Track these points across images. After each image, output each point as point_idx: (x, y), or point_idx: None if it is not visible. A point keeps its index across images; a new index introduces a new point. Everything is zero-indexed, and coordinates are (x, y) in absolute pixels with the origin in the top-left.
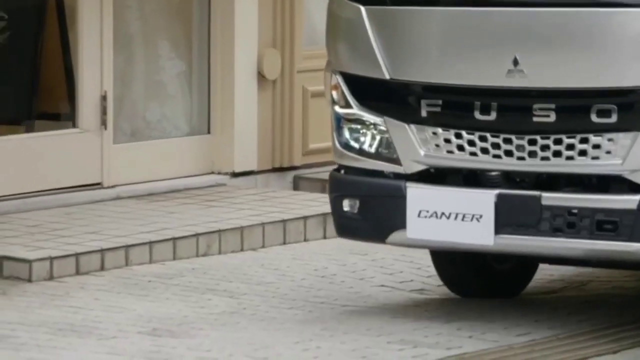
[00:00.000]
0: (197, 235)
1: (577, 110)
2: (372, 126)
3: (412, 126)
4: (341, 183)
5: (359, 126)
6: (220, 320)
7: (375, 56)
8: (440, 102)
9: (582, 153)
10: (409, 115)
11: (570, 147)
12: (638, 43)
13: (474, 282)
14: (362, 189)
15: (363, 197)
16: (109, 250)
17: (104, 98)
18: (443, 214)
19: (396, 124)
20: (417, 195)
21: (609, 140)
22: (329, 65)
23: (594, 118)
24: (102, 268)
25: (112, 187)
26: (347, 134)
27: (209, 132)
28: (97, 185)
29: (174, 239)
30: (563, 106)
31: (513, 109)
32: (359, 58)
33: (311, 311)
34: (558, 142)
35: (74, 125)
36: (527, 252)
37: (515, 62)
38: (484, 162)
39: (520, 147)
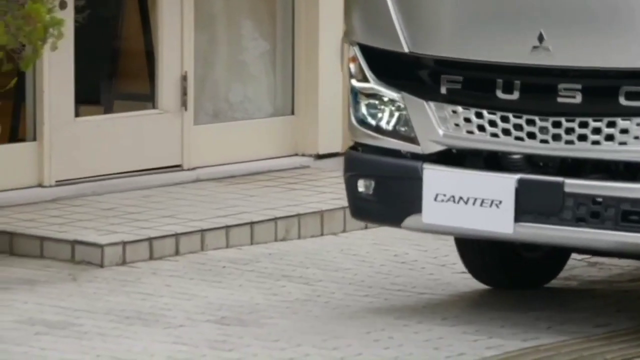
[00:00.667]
0: (275, 219)
1: (604, 91)
2: (389, 102)
3: (431, 104)
4: (356, 162)
5: (376, 102)
6: (292, 309)
7: (395, 28)
8: (460, 78)
9: (609, 138)
10: (427, 91)
11: (597, 130)
12: None
13: (501, 271)
14: (377, 168)
15: (378, 177)
16: (183, 234)
17: (184, 78)
18: (461, 198)
19: (414, 100)
20: (434, 178)
21: (638, 125)
22: (346, 36)
23: (622, 101)
24: (177, 253)
25: (192, 169)
26: (363, 109)
27: (292, 113)
28: (177, 167)
29: (252, 223)
30: (590, 87)
31: (537, 89)
32: (377, 29)
33: (387, 299)
34: (584, 125)
35: (154, 106)
36: (547, 242)
37: (541, 38)
38: (505, 144)
39: (543, 130)
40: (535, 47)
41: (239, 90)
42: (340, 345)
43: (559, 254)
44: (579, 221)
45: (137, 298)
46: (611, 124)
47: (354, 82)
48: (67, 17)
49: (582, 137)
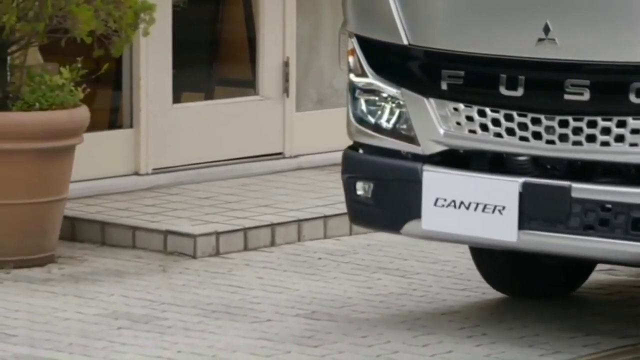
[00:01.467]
0: None
1: (614, 88)
2: (388, 99)
3: (432, 100)
4: (354, 163)
5: (375, 98)
6: (385, 303)
7: (394, 19)
8: (462, 73)
9: (619, 139)
10: (428, 87)
11: (606, 131)
12: None
13: (517, 279)
14: (376, 170)
15: (377, 180)
16: (280, 224)
17: (286, 64)
18: (462, 203)
19: (414, 97)
20: (434, 181)
21: None
22: (344, 27)
23: (633, 98)
24: (272, 244)
25: (294, 157)
26: (362, 107)
27: None
28: (278, 155)
29: None
30: (599, 83)
31: (543, 85)
32: (376, 20)
33: (484, 293)
34: (592, 124)
35: (255, 92)
36: (554, 251)
37: (547, 30)
38: (509, 144)
39: (549, 129)
40: (540, 40)
41: (344, 77)
42: (431, 341)
43: (584, 262)
44: (587, 229)
45: (226, 291)
46: (621, 124)
47: (352, 77)
48: (165, 3)
49: (591, 138)
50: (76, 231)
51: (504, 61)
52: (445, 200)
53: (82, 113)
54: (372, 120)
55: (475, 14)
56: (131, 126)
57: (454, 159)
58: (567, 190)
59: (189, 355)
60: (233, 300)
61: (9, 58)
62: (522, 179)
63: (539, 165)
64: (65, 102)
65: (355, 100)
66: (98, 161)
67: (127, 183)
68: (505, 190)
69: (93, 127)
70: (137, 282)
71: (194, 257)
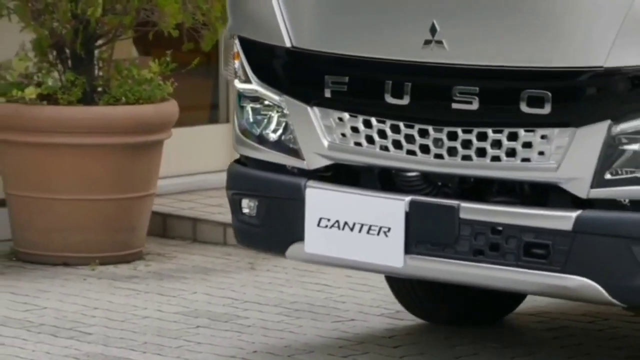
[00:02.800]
0: None
1: (504, 96)
2: (272, 108)
3: (316, 109)
4: (238, 178)
5: (259, 106)
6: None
7: (276, 18)
8: (346, 79)
9: (511, 153)
10: (311, 95)
11: (497, 144)
12: (579, 11)
13: (436, 305)
14: (259, 187)
15: (261, 197)
16: None
17: None
18: (346, 224)
19: (297, 105)
20: (317, 199)
21: (542, 137)
22: (229, 29)
23: (524, 108)
24: None
25: None
26: (246, 116)
27: None
28: None
29: None
30: (488, 90)
31: (430, 92)
32: (258, 19)
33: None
34: (482, 137)
35: None
36: (443, 278)
37: (433, 31)
38: (396, 159)
39: (438, 142)
40: (427, 42)
41: None
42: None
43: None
44: (476, 254)
45: (312, 289)
46: (513, 136)
47: (237, 83)
48: None
49: (481, 152)
50: (167, 227)
51: (388, 66)
52: (328, 220)
53: (170, 108)
54: (256, 131)
55: (360, 12)
56: (227, 121)
57: (341, 174)
58: (455, 210)
59: (264, 355)
60: (318, 299)
61: (96, 52)
62: (408, 198)
63: (430, 183)
64: (153, 97)
65: (240, 109)
66: (193, 156)
67: (222, 179)
68: (391, 210)
69: (189, 121)
70: (223, 280)
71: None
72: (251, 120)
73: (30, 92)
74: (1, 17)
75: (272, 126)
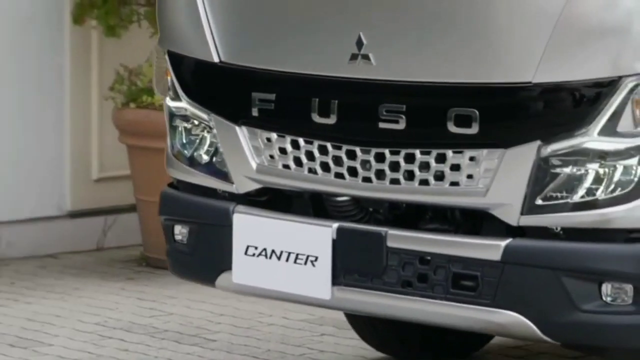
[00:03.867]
0: None
1: (431, 114)
2: (202, 127)
3: (244, 129)
4: (170, 203)
5: (189, 126)
6: None
7: (203, 31)
8: (273, 97)
9: (439, 176)
10: (239, 114)
11: (425, 166)
12: (505, 24)
13: (398, 339)
14: (189, 212)
15: (191, 223)
16: None
17: None
18: (273, 252)
19: (225, 125)
20: (245, 225)
21: (471, 159)
22: (159, 42)
23: (451, 127)
24: None
25: None
26: (178, 137)
27: None
28: None
29: None
30: (415, 108)
31: (356, 111)
32: (185, 32)
33: None
34: (410, 159)
35: None
36: (372, 311)
37: (360, 44)
38: (324, 182)
39: (366, 164)
40: (354, 56)
41: None
42: None
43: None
44: (405, 285)
45: None
46: (441, 158)
47: (168, 100)
48: None
49: (409, 175)
50: None
51: (315, 82)
52: (256, 248)
53: None
54: (188, 152)
55: (287, 24)
56: None
57: (272, 199)
58: (382, 238)
59: None
60: None
61: None
62: (335, 224)
63: (362, 208)
64: None
65: (172, 129)
66: None
67: None
68: (317, 237)
69: None
70: None
71: None
72: (183, 141)
73: (160, 97)
74: (131, 23)
75: (204, 147)
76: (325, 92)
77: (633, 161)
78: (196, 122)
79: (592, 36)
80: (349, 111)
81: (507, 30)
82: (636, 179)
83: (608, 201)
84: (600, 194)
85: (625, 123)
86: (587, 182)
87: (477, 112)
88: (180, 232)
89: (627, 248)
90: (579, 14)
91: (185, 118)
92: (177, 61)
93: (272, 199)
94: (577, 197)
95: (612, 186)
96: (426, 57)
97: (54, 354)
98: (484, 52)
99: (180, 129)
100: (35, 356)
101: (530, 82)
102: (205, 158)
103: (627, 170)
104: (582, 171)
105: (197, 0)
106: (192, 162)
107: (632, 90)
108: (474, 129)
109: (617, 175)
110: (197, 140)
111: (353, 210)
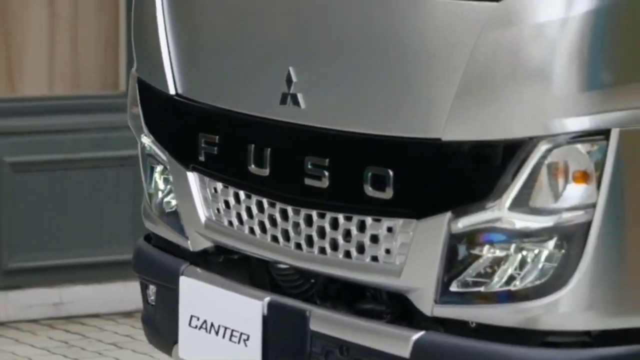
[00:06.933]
0: None
1: (350, 171)
2: (162, 169)
3: (195, 175)
4: (140, 259)
5: (156, 166)
6: None
7: (161, 57)
8: (216, 139)
9: (361, 248)
10: (190, 156)
11: (347, 234)
12: (414, 69)
13: None
14: (152, 271)
15: (155, 284)
16: None
17: None
18: (212, 325)
19: (178, 168)
20: (189, 292)
21: (388, 230)
22: (135, 69)
23: (368, 190)
24: None
25: None
26: (150, 178)
27: None
28: None
29: None
30: (337, 163)
31: (287, 162)
32: (148, 57)
33: None
34: (334, 224)
35: None
36: None
37: (289, 82)
38: (261, 245)
39: (297, 227)
40: (284, 95)
41: None
42: None
43: None
44: None
45: None
46: (361, 226)
47: (142, 135)
48: None
49: (334, 245)
50: None
51: (251, 124)
52: (198, 319)
53: None
54: (157, 198)
55: (233, 56)
56: None
57: (227, 259)
58: (306, 318)
59: None
60: None
61: None
62: (267, 298)
63: (307, 279)
64: None
65: (144, 168)
66: None
67: None
68: (248, 313)
69: None
70: None
71: None
72: (152, 184)
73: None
74: None
75: (166, 193)
76: (260, 137)
77: (548, 245)
78: (158, 162)
79: (500, 90)
80: (281, 162)
81: (417, 79)
82: (552, 269)
83: (522, 293)
84: (514, 284)
85: (539, 196)
86: (501, 269)
87: (390, 173)
88: (151, 292)
89: (540, 355)
90: (484, 65)
91: (150, 157)
92: (144, 91)
93: (228, 260)
94: (490, 287)
95: (526, 275)
96: (350, 102)
97: None
98: (399, 102)
99: (149, 169)
100: None
101: (439, 139)
102: (169, 206)
103: (541, 256)
104: (495, 254)
105: (159, 27)
106: (160, 210)
107: (544, 155)
108: (387, 193)
109: (530, 262)
110: (164, 185)
111: (298, 280)
